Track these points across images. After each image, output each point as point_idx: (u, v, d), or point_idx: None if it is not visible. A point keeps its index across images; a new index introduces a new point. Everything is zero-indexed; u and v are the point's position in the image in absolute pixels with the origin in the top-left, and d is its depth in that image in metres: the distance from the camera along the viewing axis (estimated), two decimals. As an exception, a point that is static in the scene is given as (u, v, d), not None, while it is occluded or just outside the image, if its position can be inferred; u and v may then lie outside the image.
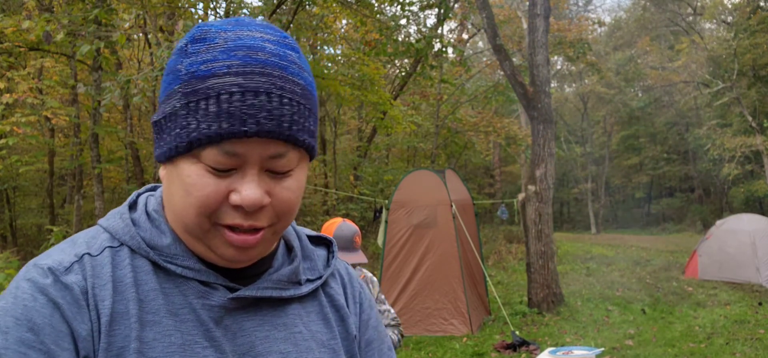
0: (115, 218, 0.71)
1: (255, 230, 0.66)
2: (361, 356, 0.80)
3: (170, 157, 0.65)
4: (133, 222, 0.70)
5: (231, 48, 0.63)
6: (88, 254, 0.66)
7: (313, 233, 0.84)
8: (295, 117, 0.64)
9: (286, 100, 0.63)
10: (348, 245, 2.28)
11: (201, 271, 0.68)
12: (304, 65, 0.67)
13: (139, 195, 0.75)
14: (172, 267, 0.67)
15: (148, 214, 0.71)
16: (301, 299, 0.75)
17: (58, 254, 0.65)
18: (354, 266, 2.32)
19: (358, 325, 0.81)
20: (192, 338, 0.65)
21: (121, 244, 0.68)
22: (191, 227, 0.66)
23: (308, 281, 0.76)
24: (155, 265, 0.67)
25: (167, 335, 0.64)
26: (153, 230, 0.69)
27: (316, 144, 0.70)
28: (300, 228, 0.82)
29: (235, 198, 0.63)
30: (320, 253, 0.82)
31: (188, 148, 0.63)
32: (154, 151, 0.70)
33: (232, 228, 0.65)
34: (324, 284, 0.79)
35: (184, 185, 0.64)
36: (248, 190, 0.63)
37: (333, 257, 0.82)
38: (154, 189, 0.77)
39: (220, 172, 0.63)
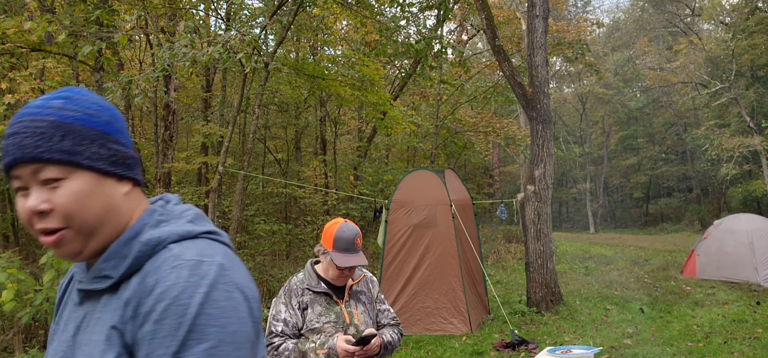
0: None
1: (51, 232, 0.88)
2: (138, 347, 0.85)
3: None
4: None
5: (19, 114, 0.91)
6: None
7: (189, 229, 0.94)
8: (40, 142, 0.87)
9: (28, 134, 0.87)
10: (349, 247, 2.27)
11: (80, 270, 0.97)
12: (68, 106, 0.90)
13: None
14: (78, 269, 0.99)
15: None
16: (109, 291, 0.91)
17: None
18: (353, 267, 2.33)
19: (133, 316, 0.86)
20: (71, 316, 0.96)
21: None
22: (34, 236, 0.93)
23: (107, 277, 0.92)
24: None
25: (67, 311, 0.99)
26: None
27: (83, 158, 0.89)
28: (153, 228, 0.93)
29: (26, 209, 0.88)
30: (136, 249, 0.91)
31: (8, 183, 0.95)
32: None
33: (42, 233, 0.89)
34: (132, 278, 0.90)
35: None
36: (29, 200, 0.88)
37: (137, 256, 0.91)
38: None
39: (22, 193, 0.89)
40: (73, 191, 0.87)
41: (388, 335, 2.39)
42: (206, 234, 0.94)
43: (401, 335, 2.52)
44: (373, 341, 2.19)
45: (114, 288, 0.90)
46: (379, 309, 2.51)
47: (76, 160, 0.88)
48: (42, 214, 0.87)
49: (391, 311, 2.55)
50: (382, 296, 2.56)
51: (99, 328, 0.88)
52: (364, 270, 2.57)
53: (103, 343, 0.86)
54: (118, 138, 0.93)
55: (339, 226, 2.33)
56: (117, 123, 0.94)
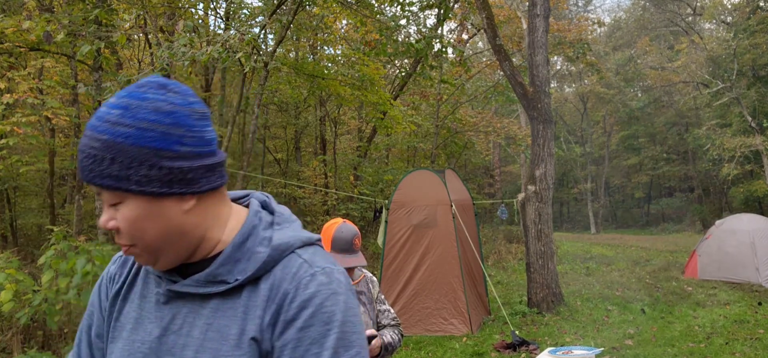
0: None
1: (124, 245, 0.88)
2: (277, 354, 0.86)
3: None
4: None
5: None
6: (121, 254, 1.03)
7: (289, 238, 0.93)
8: (94, 167, 0.84)
9: (85, 155, 0.84)
10: (347, 247, 2.25)
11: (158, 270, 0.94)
12: (123, 120, 0.83)
13: None
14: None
15: None
16: (223, 295, 0.89)
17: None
18: (352, 268, 2.29)
19: (272, 323, 0.87)
20: (146, 314, 0.92)
21: None
22: None
23: (236, 280, 0.89)
24: None
25: (133, 310, 0.95)
26: None
27: (131, 185, 0.84)
28: (265, 231, 0.93)
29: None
30: (262, 256, 0.90)
31: None
32: None
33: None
34: (256, 283, 0.89)
35: None
36: (102, 218, 0.88)
37: (266, 260, 0.90)
38: None
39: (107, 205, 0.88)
40: (126, 217, 0.85)
41: (389, 336, 2.36)
42: (318, 241, 0.97)
43: (402, 335, 2.50)
44: (373, 342, 2.16)
45: (229, 292, 0.89)
46: (380, 309, 2.48)
47: (124, 187, 0.83)
48: (113, 231, 0.88)
49: (392, 311, 2.52)
50: (383, 297, 2.54)
51: (214, 334, 0.87)
52: (364, 270, 2.55)
53: (232, 350, 0.85)
54: (177, 150, 0.84)
55: (337, 226, 2.30)
56: (179, 128, 0.85)
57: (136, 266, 0.98)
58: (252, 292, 0.88)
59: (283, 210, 0.99)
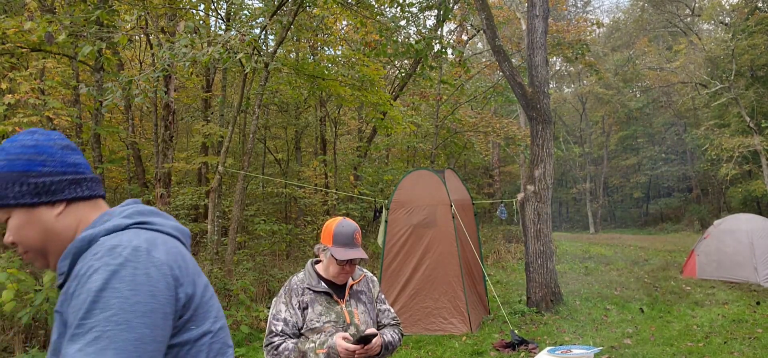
0: None
1: (22, 254, 1.13)
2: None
3: None
4: None
5: None
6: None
7: (113, 239, 1.09)
8: None
9: None
10: (348, 242, 2.30)
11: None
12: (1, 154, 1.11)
13: None
14: None
15: None
16: (61, 285, 1.10)
17: None
18: (353, 261, 2.33)
19: (65, 309, 1.05)
20: None
21: None
22: None
23: (62, 273, 1.10)
24: None
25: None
26: None
27: (9, 200, 1.09)
28: (84, 232, 1.12)
29: None
30: (74, 250, 1.10)
31: None
32: None
33: None
34: (67, 279, 1.09)
35: None
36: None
37: (72, 254, 1.09)
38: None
39: None
40: (13, 227, 1.10)
41: (389, 335, 2.39)
42: (136, 224, 1.12)
43: (401, 335, 2.53)
44: (374, 340, 2.19)
45: (63, 284, 1.09)
46: (380, 309, 2.51)
47: (4, 202, 1.09)
48: (12, 244, 1.11)
49: (392, 311, 2.55)
50: (383, 296, 2.56)
51: (56, 316, 1.08)
52: (365, 270, 2.57)
53: (56, 327, 1.07)
54: (40, 170, 1.10)
55: (338, 222, 2.36)
56: (40, 155, 1.11)
57: None
58: (69, 283, 1.07)
59: (116, 209, 1.17)
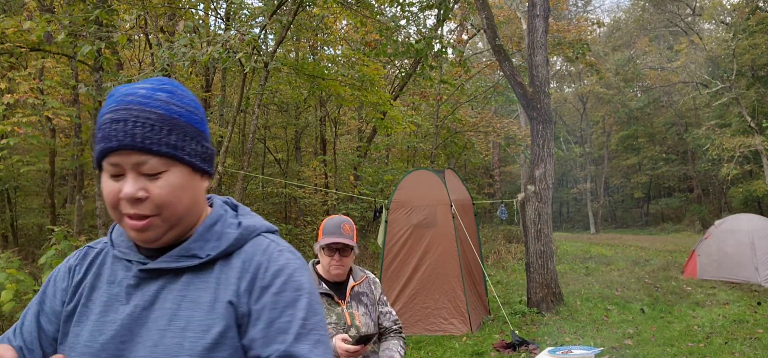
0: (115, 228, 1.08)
1: (141, 217, 0.93)
2: (255, 317, 0.96)
3: (99, 175, 0.98)
4: (113, 229, 1.08)
5: (114, 97, 0.95)
6: (90, 247, 1.10)
7: (259, 225, 1.06)
8: (148, 134, 0.92)
9: (139, 123, 0.91)
10: (335, 231, 2.37)
11: (128, 253, 1.01)
12: (173, 101, 0.96)
13: None
14: (115, 252, 1.03)
15: None
16: (194, 270, 0.98)
17: (84, 247, 1.10)
18: (343, 251, 2.35)
19: (248, 291, 0.97)
20: (115, 296, 0.99)
21: (108, 243, 1.08)
22: (114, 219, 0.98)
23: (208, 255, 0.99)
24: (115, 254, 1.04)
25: (101, 295, 1.00)
26: (119, 231, 1.05)
27: (184, 153, 0.96)
28: (232, 217, 1.06)
29: (120, 194, 0.93)
30: (233, 236, 1.02)
31: (98, 165, 0.96)
32: None
33: (129, 216, 0.94)
34: (228, 259, 1.00)
35: (102, 190, 0.96)
36: (126, 188, 0.92)
37: (237, 239, 1.01)
38: None
39: (115, 177, 0.94)
40: (171, 183, 0.94)
41: (397, 354, 2.40)
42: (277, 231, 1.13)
43: (403, 340, 2.51)
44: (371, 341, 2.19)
45: (201, 267, 0.98)
46: (381, 311, 2.49)
47: (179, 155, 0.95)
48: (137, 201, 0.93)
49: (393, 313, 2.53)
50: (385, 298, 2.55)
51: (188, 303, 0.96)
52: (367, 272, 2.56)
53: (205, 316, 0.95)
54: (208, 137, 1.02)
55: (329, 217, 2.45)
56: (206, 123, 1.03)
57: (100, 257, 1.05)
58: (224, 266, 0.99)
59: (242, 206, 1.12)
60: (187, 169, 0.96)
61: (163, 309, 0.95)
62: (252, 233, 1.03)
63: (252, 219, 1.06)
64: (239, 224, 1.04)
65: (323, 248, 2.35)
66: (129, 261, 1.00)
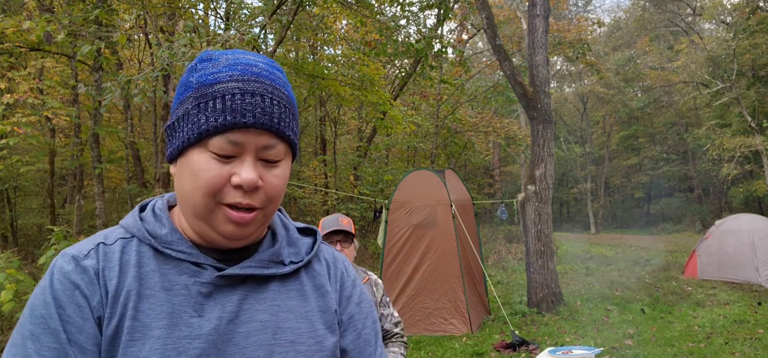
0: (130, 217, 0.87)
1: (250, 209, 0.80)
2: (344, 328, 0.93)
3: (182, 150, 0.80)
4: (141, 219, 0.86)
5: (232, 64, 0.80)
6: (103, 243, 0.83)
7: (302, 225, 0.99)
8: (283, 116, 0.81)
9: (276, 102, 0.80)
10: (333, 223, 2.44)
11: (193, 254, 0.82)
12: (287, 83, 0.85)
13: (149, 201, 0.91)
14: (169, 251, 0.82)
15: (153, 212, 0.87)
16: (282, 278, 0.88)
17: (82, 244, 0.83)
18: (343, 241, 2.42)
19: (338, 301, 0.94)
20: (181, 308, 0.79)
21: (132, 236, 0.84)
22: (199, 208, 0.80)
23: (292, 262, 0.89)
24: (156, 251, 0.82)
25: (159, 305, 0.79)
26: (155, 223, 0.85)
27: (298, 144, 0.86)
28: (290, 221, 0.97)
29: (235, 179, 0.78)
30: (306, 241, 0.95)
31: (198, 139, 0.78)
32: (167, 152, 0.85)
33: (233, 207, 0.79)
34: (308, 266, 0.92)
35: (194, 171, 0.79)
36: (246, 172, 0.78)
37: (317, 243, 0.96)
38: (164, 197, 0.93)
39: (224, 158, 0.78)
40: (285, 174, 0.84)
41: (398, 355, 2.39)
42: None
43: (405, 345, 2.49)
44: None
45: (288, 274, 0.89)
46: (382, 313, 2.48)
47: (296, 144, 0.86)
48: (254, 189, 0.79)
49: (395, 315, 2.51)
50: (387, 300, 2.53)
51: (288, 315, 0.85)
52: (369, 273, 2.56)
53: (312, 327, 0.87)
54: None
55: (325, 217, 2.54)
56: None
57: (131, 256, 0.81)
58: (307, 273, 0.91)
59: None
60: (290, 159, 0.86)
61: (256, 322, 0.82)
62: (318, 237, 0.97)
63: (292, 221, 0.98)
64: (309, 229, 0.98)
65: (324, 240, 2.35)
66: (195, 264, 0.82)
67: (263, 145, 0.79)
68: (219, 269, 0.82)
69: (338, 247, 2.40)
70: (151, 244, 0.82)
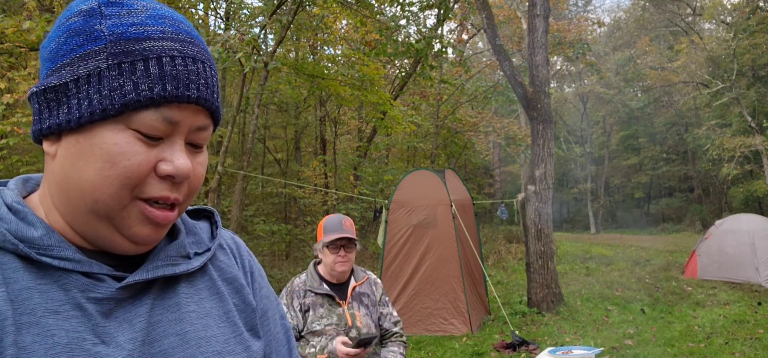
0: None
1: (172, 206, 0.64)
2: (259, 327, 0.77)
3: (85, 123, 0.59)
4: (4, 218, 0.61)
5: (157, 16, 0.62)
6: None
7: (191, 207, 0.79)
8: (216, 89, 0.65)
9: (213, 73, 0.65)
10: (337, 228, 2.34)
11: (82, 261, 0.61)
12: (204, 45, 0.68)
13: None
14: (48, 260, 0.59)
15: (8, 207, 0.62)
16: (188, 277, 0.70)
17: None
18: (347, 246, 2.33)
19: (252, 295, 0.78)
20: (79, 335, 0.58)
21: None
22: (106, 204, 0.60)
23: (196, 254, 0.72)
24: (25, 260, 0.59)
25: (49, 336, 0.56)
26: (18, 222, 0.60)
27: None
28: (193, 209, 0.81)
29: (165, 168, 0.61)
30: (202, 226, 0.77)
31: (120, 111, 0.59)
32: (43, 122, 0.62)
33: (153, 202, 0.62)
34: (212, 258, 0.75)
35: (108, 154, 0.59)
36: (181, 159, 0.62)
37: (216, 227, 0.78)
38: (3, 184, 0.68)
39: (151, 139, 0.60)
40: (206, 161, 0.68)
41: (392, 356, 2.39)
42: None
43: (404, 344, 2.49)
44: (373, 343, 2.18)
45: (196, 271, 0.72)
46: (382, 312, 2.48)
47: (220, 119, 0.68)
48: (176, 181, 0.62)
49: (394, 314, 2.52)
50: (386, 299, 2.54)
51: (207, 320, 0.68)
52: (368, 272, 2.56)
53: (236, 332, 0.71)
54: None
55: (328, 216, 2.44)
56: None
57: (2, 273, 0.58)
58: (213, 265, 0.74)
59: None
60: None
61: (173, 336, 0.65)
62: (217, 220, 0.80)
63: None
64: (202, 211, 0.82)
65: (327, 246, 2.33)
66: (85, 275, 0.61)
67: (198, 126, 0.63)
68: (117, 279, 0.63)
69: (342, 252, 2.33)
70: (17, 251, 0.59)
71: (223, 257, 0.76)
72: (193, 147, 0.65)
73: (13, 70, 8.21)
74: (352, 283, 2.41)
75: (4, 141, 7.05)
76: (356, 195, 12.79)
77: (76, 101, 0.59)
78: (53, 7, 8.41)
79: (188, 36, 0.63)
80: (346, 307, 2.34)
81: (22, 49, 8.27)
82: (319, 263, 2.44)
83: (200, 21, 11.11)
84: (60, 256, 0.60)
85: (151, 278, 0.65)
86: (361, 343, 2.13)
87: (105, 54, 0.59)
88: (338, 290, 2.37)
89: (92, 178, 0.59)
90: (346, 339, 2.19)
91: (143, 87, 0.59)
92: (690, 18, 26.49)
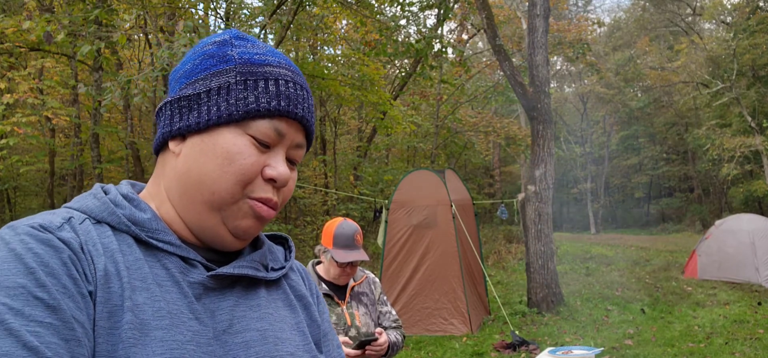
0: (88, 199, 0.71)
1: (273, 206, 0.74)
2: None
3: (212, 125, 0.71)
4: (112, 202, 0.70)
5: (275, 52, 0.76)
6: (71, 218, 0.66)
7: (270, 233, 0.91)
8: (313, 115, 0.77)
9: (311, 101, 0.78)
10: (349, 243, 2.26)
11: (181, 247, 0.70)
12: None
13: (109, 186, 0.76)
14: (154, 242, 0.69)
15: (124, 196, 0.72)
16: (267, 285, 0.79)
17: (41, 217, 0.64)
18: (354, 263, 2.29)
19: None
20: (178, 308, 0.66)
21: (99, 221, 0.68)
22: (222, 196, 0.70)
23: (273, 269, 0.81)
24: (137, 240, 0.69)
25: (156, 301, 0.65)
26: (132, 208, 0.70)
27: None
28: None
29: (271, 172, 0.72)
30: (278, 248, 0.87)
31: (243, 118, 0.70)
32: (174, 125, 0.73)
33: (261, 201, 0.72)
34: (286, 276, 0.84)
35: (228, 152, 0.70)
36: (283, 167, 0.73)
37: (290, 252, 0.88)
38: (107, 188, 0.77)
39: (262, 146, 0.72)
40: (296, 177, 0.80)
41: (393, 336, 2.38)
42: None
43: (404, 337, 2.50)
44: (380, 339, 2.18)
45: (274, 280, 0.81)
46: (381, 311, 2.48)
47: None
48: (282, 186, 0.73)
49: (393, 313, 2.52)
50: (385, 298, 2.54)
51: (282, 325, 0.76)
52: (367, 271, 2.55)
53: (310, 341, 0.79)
54: None
55: (338, 223, 2.32)
56: None
57: (102, 238, 0.66)
58: (287, 282, 0.84)
59: None
60: None
61: (253, 331, 0.72)
62: (291, 246, 0.91)
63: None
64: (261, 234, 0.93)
65: (336, 261, 2.26)
66: (183, 259, 0.70)
67: (297, 143, 0.75)
68: (208, 268, 0.72)
69: (349, 269, 2.29)
70: (129, 231, 0.68)
71: (295, 277, 0.86)
72: (290, 163, 0.76)
73: (14, 70, 8.21)
74: (351, 282, 2.41)
75: (4, 141, 7.06)
76: (356, 195, 12.79)
77: (206, 108, 0.71)
78: (53, 7, 8.41)
79: (297, 70, 0.77)
80: (344, 306, 2.34)
81: (22, 49, 8.28)
82: (318, 263, 2.43)
83: (200, 21, 11.11)
84: (164, 240, 0.70)
85: (237, 273, 0.73)
86: (362, 343, 2.13)
87: (234, 72, 0.72)
88: (337, 289, 2.37)
89: (212, 172, 0.70)
90: (346, 339, 2.19)
91: (263, 100, 0.71)
92: (690, 18, 26.50)
